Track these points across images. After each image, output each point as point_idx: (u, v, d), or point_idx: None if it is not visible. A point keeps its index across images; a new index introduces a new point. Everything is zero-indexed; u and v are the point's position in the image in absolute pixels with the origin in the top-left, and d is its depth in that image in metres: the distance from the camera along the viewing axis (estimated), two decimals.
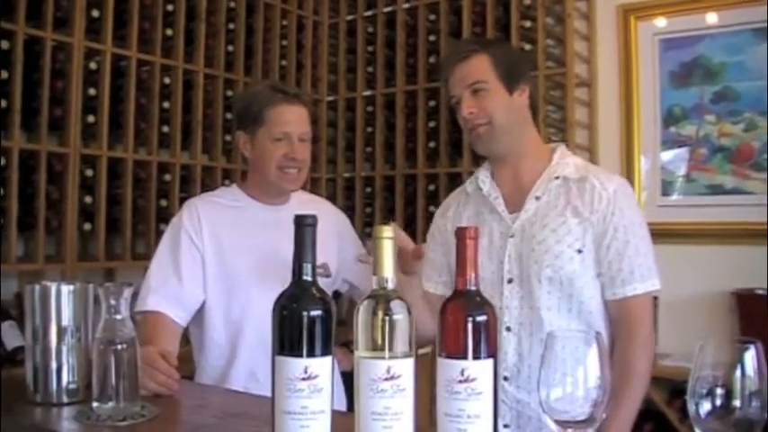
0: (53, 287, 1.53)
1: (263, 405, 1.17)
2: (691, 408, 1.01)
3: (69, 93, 3.17)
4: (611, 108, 3.64)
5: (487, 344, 1.09)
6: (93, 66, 3.28)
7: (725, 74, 3.39)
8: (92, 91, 3.26)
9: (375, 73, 4.29)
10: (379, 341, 1.08)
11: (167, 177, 3.58)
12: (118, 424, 1.36)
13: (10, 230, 2.96)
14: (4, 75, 2.96)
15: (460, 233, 1.13)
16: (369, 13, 4.33)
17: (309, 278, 1.14)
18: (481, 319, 1.10)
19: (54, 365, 1.51)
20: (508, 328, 1.83)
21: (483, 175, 1.99)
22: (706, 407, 0.99)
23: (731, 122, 3.38)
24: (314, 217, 1.15)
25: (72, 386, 1.52)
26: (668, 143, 3.54)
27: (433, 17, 4.07)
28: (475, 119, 1.88)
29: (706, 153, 3.44)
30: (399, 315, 1.09)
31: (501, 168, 1.97)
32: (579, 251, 1.80)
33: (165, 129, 3.58)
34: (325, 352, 1.11)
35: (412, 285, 1.90)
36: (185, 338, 2.14)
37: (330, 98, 4.48)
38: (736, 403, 0.98)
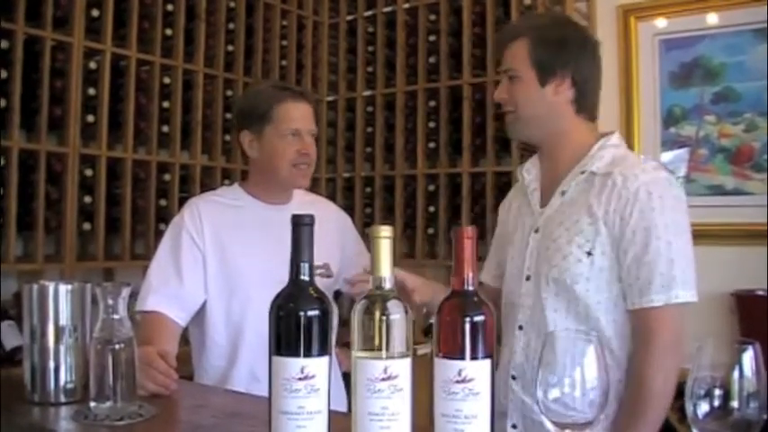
0: (51, 287, 1.53)
1: (262, 405, 1.17)
2: (689, 408, 1.00)
3: (69, 92, 3.17)
4: (611, 108, 3.62)
5: (485, 344, 1.09)
6: (92, 65, 3.28)
7: (725, 74, 3.39)
8: (91, 91, 3.26)
9: (375, 73, 4.29)
10: (377, 341, 1.08)
11: (167, 177, 3.59)
12: (115, 424, 1.36)
13: (9, 230, 2.96)
14: (4, 74, 2.96)
15: (458, 233, 1.12)
16: (369, 13, 4.33)
17: (306, 278, 1.13)
18: (479, 319, 1.09)
19: (52, 365, 1.51)
20: (520, 327, 1.78)
21: (530, 164, 1.92)
22: (704, 408, 0.99)
23: (731, 123, 3.38)
24: (311, 216, 1.14)
25: (70, 386, 1.52)
26: (668, 144, 3.53)
27: (433, 17, 4.07)
28: (504, 105, 1.85)
29: (706, 154, 3.44)
30: (396, 315, 1.08)
31: (543, 158, 1.90)
32: (589, 253, 1.69)
33: (165, 128, 3.58)
34: (322, 352, 1.11)
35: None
36: (184, 339, 2.14)
37: (330, 98, 4.48)
38: (734, 404, 0.98)
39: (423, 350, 1.90)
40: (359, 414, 1.07)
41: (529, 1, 3.65)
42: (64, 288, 1.53)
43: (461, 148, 3.88)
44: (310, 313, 1.11)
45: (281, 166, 2.13)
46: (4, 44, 2.97)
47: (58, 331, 1.51)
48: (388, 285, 1.10)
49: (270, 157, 2.14)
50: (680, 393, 1.11)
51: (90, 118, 3.26)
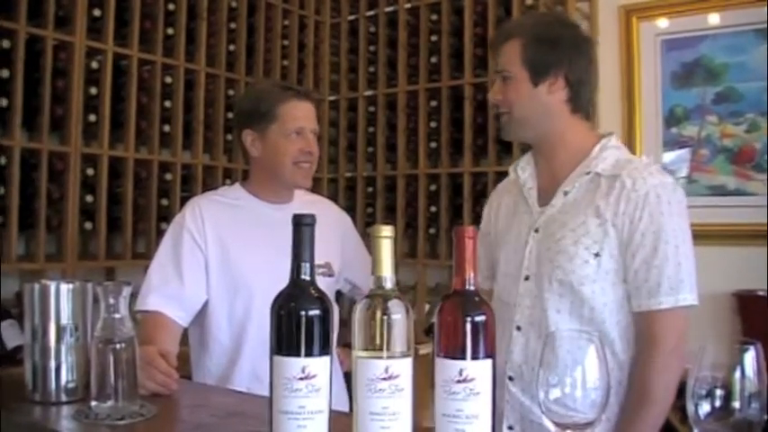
0: (52, 286, 1.53)
1: (263, 405, 1.17)
2: (690, 409, 1.00)
3: (70, 92, 3.17)
4: (612, 109, 3.63)
5: (486, 344, 1.09)
6: (94, 65, 3.29)
7: (727, 74, 3.39)
8: (93, 90, 3.26)
9: (377, 73, 4.29)
10: (378, 341, 1.08)
11: (168, 176, 3.59)
12: (116, 423, 1.36)
13: (11, 229, 2.96)
14: (6, 73, 2.97)
15: (459, 232, 1.12)
16: (371, 12, 4.33)
17: (308, 277, 1.13)
18: (479, 319, 1.09)
19: (53, 364, 1.51)
20: (518, 327, 1.76)
21: (525, 162, 1.90)
22: (705, 408, 0.99)
23: (733, 123, 3.38)
24: (312, 216, 1.14)
25: (71, 385, 1.52)
26: (670, 144, 3.53)
27: (434, 17, 4.07)
28: (499, 106, 1.84)
29: (708, 154, 3.44)
30: (397, 315, 1.08)
31: (539, 157, 1.88)
32: (596, 255, 1.68)
33: (167, 128, 3.59)
34: (324, 352, 1.11)
35: None
36: (184, 338, 2.14)
37: (332, 98, 4.49)
38: (736, 405, 0.98)
39: (424, 350, 1.90)
40: (360, 414, 1.07)
41: (530, 1, 3.65)
42: (65, 287, 1.53)
43: (463, 148, 3.88)
44: (311, 313, 1.11)
45: (284, 164, 2.13)
46: (6, 43, 2.98)
47: (60, 330, 1.51)
48: (389, 285, 1.10)
49: (273, 155, 2.14)
50: (681, 393, 1.11)
51: (92, 117, 3.26)
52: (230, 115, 3.78)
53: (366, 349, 1.08)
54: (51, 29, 3.09)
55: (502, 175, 3.73)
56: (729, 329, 3.14)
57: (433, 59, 4.04)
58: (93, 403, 1.40)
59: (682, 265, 1.65)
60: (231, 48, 3.90)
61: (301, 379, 1.08)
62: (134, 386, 1.42)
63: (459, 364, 1.07)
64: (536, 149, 1.89)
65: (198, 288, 2.08)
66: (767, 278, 2.94)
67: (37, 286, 1.53)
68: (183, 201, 2.41)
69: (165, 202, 3.54)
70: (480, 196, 3.82)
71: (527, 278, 1.78)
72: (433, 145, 4.03)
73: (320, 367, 1.09)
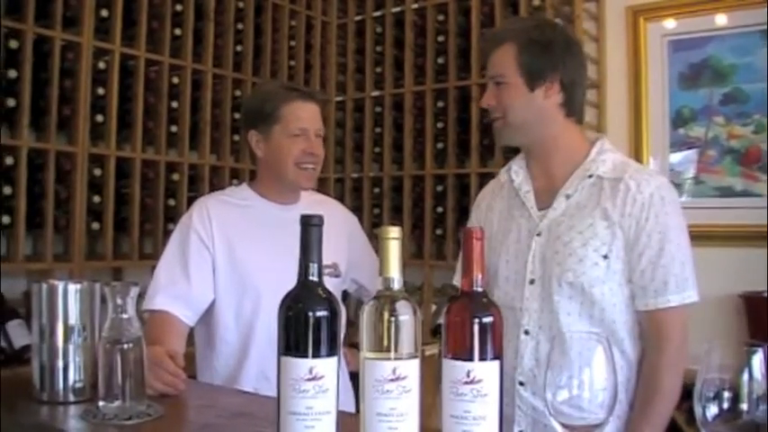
0: (60, 286, 1.53)
1: (270, 405, 1.17)
2: (698, 411, 1.00)
3: (78, 92, 3.18)
4: (619, 109, 3.62)
5: (493, 345, 1.09)
6: (101, 65, 3.29)
7: (734, 75, 3.38)
8: (100, 90, 3.27)
9: (383, 73, 4.28)
10: (385, 342, 1.08)
11: (175, 177, 3.59)
12: (124, 423, 1.37)
13: (18, 229, 2.97)
14: (13, 74, 2.97)
15: (467, 233, 1.12)
16: (377, 13, 4.32)
17: (315, 278, 1.13)
18: (487, 320, 1.09)
19: (61, 364, 1.51)
20: (526, 332, 1.75)
21: (517, 165, 1.90)
22: (713, 410, 0.99)
23: (740, 124, 3.37)
24: (320, 217, 1.14)
25: (78, 385, 1.52)
26: (677, 145, 3.52)
27: (441, 17, 4.06)
28: (492, 111, 1.83)
29: (715, 155, 3.43)
30: (405, 316, 1.08)
31: (532, 161, 1.88)
32: (605, 257, 1.70)
33: (174, 128, 3.59)
34: (331, 353, 1.11)
35: None
36: (190, 338, 2.14)
37: (338, 98, 4.48)
38: (744, 407, 0.98)
39: (431, 351, 1.89)
40: (367, 414, 1.07)
41: (537, 2, 3.64)
42: (73, 287, 1.54)
43: (469, 149, 3.87)
44: (319, 314, 1.11)
45: (286, 165, 2.13)
46: (14, 44, 2.98)
47: (67, 330, 1.52)
48: (396, 286, 1.10)
49: (276, 156, 2.15)
50: (688, 395, 1.11)
51: (99, 118, 3.27)
52: (237, 116, 3.77)
53: (374, 350, 1.08)
54: (59, 29, 3.10)
55: None
56: (735, 331, 3.13)
57: (440, 60, 4.04)
58: (101, 403, 1.40)
59: (685, 263, 1.71)
60: (238, 48, 3.91)
61: (309, 380, 1.08)
62: (141, 386, 1.43)
63: (466, 365, 1.07)
64: (529, 153, 1.90)
65: (205, 288, 2.08)
66: None
67: (45, 286, 1.54)
68: (190, 201, 2.41)
69: (172, 202, 3.54)
70: None
71: (532, 282, 1.78)
72: (440, 146, 4.02)
73: (328, 368, 1.09)
